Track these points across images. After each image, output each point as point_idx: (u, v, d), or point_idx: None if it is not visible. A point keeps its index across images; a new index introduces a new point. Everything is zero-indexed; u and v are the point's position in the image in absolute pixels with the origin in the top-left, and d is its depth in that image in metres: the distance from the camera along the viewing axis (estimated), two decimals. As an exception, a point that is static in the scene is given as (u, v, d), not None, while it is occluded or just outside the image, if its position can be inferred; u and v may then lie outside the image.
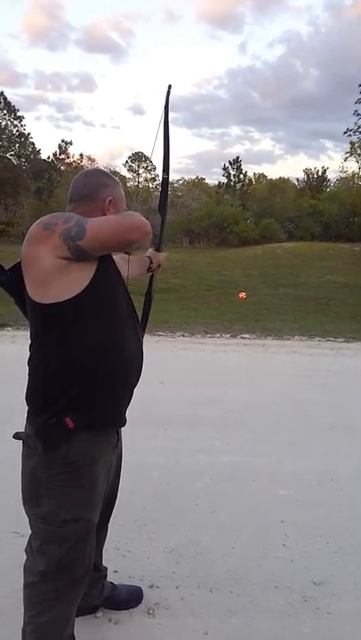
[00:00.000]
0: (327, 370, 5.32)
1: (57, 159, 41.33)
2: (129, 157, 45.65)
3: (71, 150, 42.53)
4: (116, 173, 34.57)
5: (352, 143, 31.34)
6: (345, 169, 38.13)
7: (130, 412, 1.45)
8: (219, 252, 24.58)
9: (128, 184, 41.53)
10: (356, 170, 36.35)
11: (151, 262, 1.84)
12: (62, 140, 43.04)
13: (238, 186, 41.51)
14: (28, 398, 1.36)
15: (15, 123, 36.48)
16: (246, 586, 1.96)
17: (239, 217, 33.21)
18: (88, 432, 1.31)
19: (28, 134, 37.49)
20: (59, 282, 1.23)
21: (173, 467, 2.96)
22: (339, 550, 2.21)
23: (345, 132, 29.90)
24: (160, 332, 6.93)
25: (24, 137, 37.16)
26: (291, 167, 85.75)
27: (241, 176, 42.07)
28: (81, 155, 41.84)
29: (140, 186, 43.71)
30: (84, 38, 75.77)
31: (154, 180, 44.89)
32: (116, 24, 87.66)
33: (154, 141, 1.68)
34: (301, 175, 46.85)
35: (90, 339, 1.29)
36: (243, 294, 11.99)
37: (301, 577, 2.03)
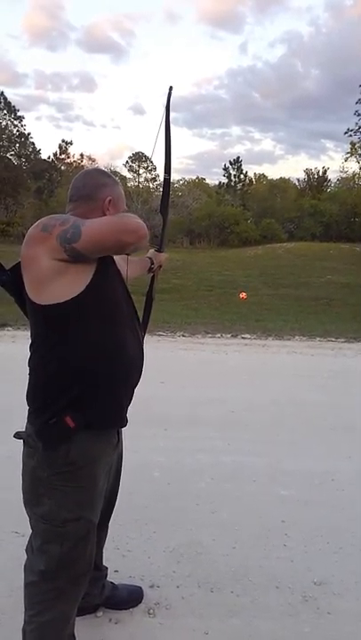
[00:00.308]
0: (328, 370, 5.32)
1: (57, 159, 41.34)
2: (129, 157, 45.62)
3: (71, 150, 42.52)
4: (116, 173, 34.59)
5: (353, 143, 31.30)
6: (346, 169, 38.10)
7: (130, 412, 1.45)
8: (219, 253, 24.60)
9: (128, 184, 41.49)
10: (357, 170, 36.29)
11: (152, 263, 1.84)
12: (62, 140, 43.08)
13: (239, 186, 41.50)
14: (28, 398, 1.36)
15: (15, 123, 36.50)
16: (247, 586, 1.96)
17: (240, 217, 33.18)
18: (88, 432, 1.31)
19: (29, 134, 37.51)
20: (57, 283, 1.23)
21: (174, 466, 2.96)
22: (339, 550, 2.21)
23: (346, 133, 29.95)
24: (161, 332, 6.93)
25: (24, 137, 37.17)
26: (291, 167, 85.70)
27: (242, 176, 42.07)
28: (81, 155, 41.86)
29: (141, 186, 43.71)
30: (84, 38, 75.76)
31: (154, 180, 44.89)
32: (117, 24, 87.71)
33: (154, 142, 1.69)
34: (302, 175, 46.86)
35: (90, 339, 1.29)
36: (243, 294, 11.98)
37: (302, 577, 2.03)
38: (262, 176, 48.34)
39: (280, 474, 2.92)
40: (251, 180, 43.84)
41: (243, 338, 6.98)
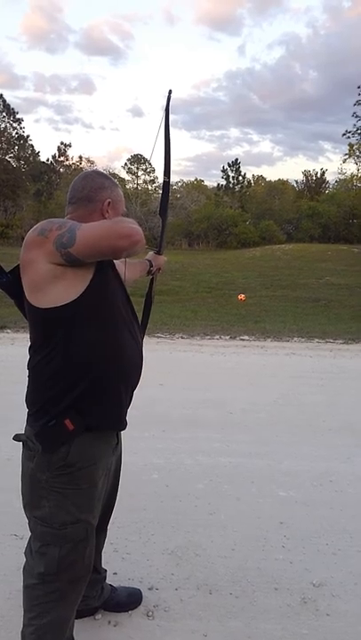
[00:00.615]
0: (326, 371, 5.33)
1: (56, 161, 41.39)
2: (128, 159, 45.82)
3: (70, 152, 42.74)
4: (115, 175, 34.63)
5: (351, 145, 31.48)
6: (344, 171, 38.41)
7: (129, 414, 1.45)
8: (218, 254, 24.62)
9: (127, 186, 41.57)
10: (355, 171, 36.56)
11: (151, 265, 1.85)
12: (61, 143, 43.39)
13: (237, 188, 41.58)
14: (27, 400, 1.36)
15: (14, 125, 36.61)
16: (246, 587, 1.96)
17: (238, 219, 33.23)
18: (88, 434, 1.31)
19: (28, 136, 37.63)
20: (55, 287, 1.24)
21: (173, 468, 2.96)
22: (338, 552, 2.21)
23: (344, 134, 30.10)
24: (159, 334, 6.93)
25: (23, 139, 37.24)
26: (290, 169, 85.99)
27: (240, 178, 42.17)
28: (80, 157, 41.95)
29: (140, 188, 43.76)
30: (83, 41, 76.21)
31: (153, 182, 44.98)
32: (116, 26, 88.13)
33: (154, 145, 1.69)
34: (300, 177, 47.07)
35: (89, 342, 1.29)
36: (242, 296, 11.99)
37: (301, 578, 2.03)
38: (261, 178, 48.55)
39: (279, 475, 2.92)
40: (249, 182, 43.96)
41: (241, 339, 6.99)
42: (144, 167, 44.90)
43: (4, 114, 35.98)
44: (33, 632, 1.36)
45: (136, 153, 46.47)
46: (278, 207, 38.50)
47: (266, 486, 2.78)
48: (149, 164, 44.55)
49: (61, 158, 41.59)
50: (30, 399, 1.35)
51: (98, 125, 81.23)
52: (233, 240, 31.05)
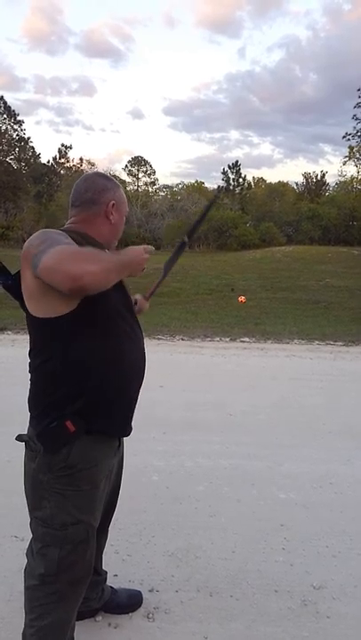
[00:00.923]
0: (327, 373, 5.33)
1: (57, 163, 41.46)
2: (128, 162, 45.90)
3: (71, 154, 42.93)
4: (115, 177, 34.43)
5: (351, 147, 31.48)
6: (344, 173, 38.35)
7: (130, 416, 1.45)
8: (218, 256, 24.64)
9: (128, 188, 41.62)
10: (355, 174, 36.53)
11: (135, 303, 1.80)
12: (62, 144, 43.25)
13: (238, 190, 41.64)
14: (30, 403, 1.37)
15: (15, 127, 36.67)
16: (246, 590, 1.96)
17: (238, 221, 33.21)
18: (89, 435, 1.31)
19: (28, 138, 37.70)
20: (47, 299, 1.23)
21: (173, 470, 2.96)
22: (338, 554, 2.21)
23: (344, 137, 30.08)
24: (160, 336, 6.94)
25: (24, 141, 37.30)
26: (290, 171, 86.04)
27: (240, 180, 42.24)
28: (81, 159, 41.98)
29: (140, 190, 43.82)
30: (83, 43, 76.38)
31: (153, 184, 45.06)
32: (116, 29, 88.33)
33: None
34: (300, 179, 47.15)
35: (88, 348, 1.29)
36: (242, 298, 11.99)
37: (301, 581, 2.03)
38: (261, 180, 48.57)
39: (279, 477, 2.92)
40: (249, 184, 44.03)
41: (241, 341, 6.99)
42: (145, 169, 45.00)
43: (5, 116, 36.06)
44: (34, 633, 1.36)
45: (136, 155, 46.55)
46: (278, 209, 38.52)
47: (266, 488, 2.78)
48: (150, 165, 44.66)
49: (62, 160, 41.68)
50: (32, 403, 1.36)
51: (98, 127, 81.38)
52: (233, 242, 31.04)
